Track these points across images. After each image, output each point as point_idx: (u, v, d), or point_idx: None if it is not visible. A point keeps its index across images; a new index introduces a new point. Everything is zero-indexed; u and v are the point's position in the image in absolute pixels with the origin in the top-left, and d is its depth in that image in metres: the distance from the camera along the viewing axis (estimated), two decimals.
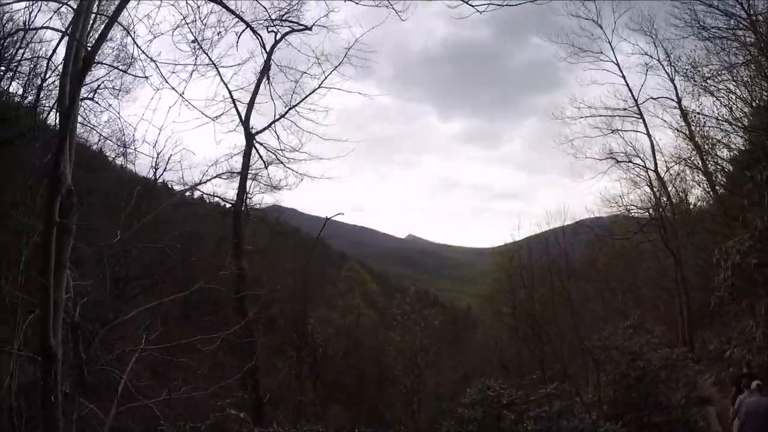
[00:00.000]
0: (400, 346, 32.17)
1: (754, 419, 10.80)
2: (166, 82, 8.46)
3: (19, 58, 18.92)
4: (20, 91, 20.09)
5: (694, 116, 25.13)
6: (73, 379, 6.17)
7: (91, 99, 19.47)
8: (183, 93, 9.28)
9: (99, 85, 19.85)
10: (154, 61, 8.03)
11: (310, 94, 21.96)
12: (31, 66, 19.34)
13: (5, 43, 18.15)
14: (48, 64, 16.79)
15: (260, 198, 23.90)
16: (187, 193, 22.26)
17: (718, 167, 25.57)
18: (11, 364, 5.97)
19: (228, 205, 22.63)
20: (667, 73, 26.30)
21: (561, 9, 27.75)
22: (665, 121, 26.97)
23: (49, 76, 17.77)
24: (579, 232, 34.76)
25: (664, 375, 14.86)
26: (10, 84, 19.92)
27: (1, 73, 19.01)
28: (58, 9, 12.53)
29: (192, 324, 19.27)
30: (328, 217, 23.57)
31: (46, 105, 18.55)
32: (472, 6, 6.32)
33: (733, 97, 22.82)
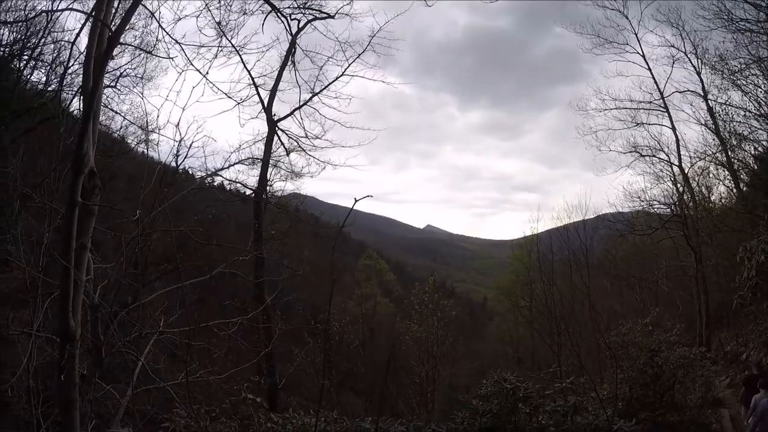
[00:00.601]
0: (416, 335, 32.26)
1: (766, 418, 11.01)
2: (191, 64, 8.53)
3: (42, 45, 19.12)
4: (43, 79, 20.34)
5: (721, 110, 24.70)
6: (91, 360, 6.25)
7: (114, 87, 19.68)
8: (207, 74, 9.37)
9: (121, 73, 20.06)
10: (179, 42, 8.09)
11: (334, 81, 21.91)
12: (54, 54, 19.55)
13: (29, 31, 18.33)
14: (71, 50, 16.96)
15: (281, 185, 24.04)
16: (208, 179, 22.42)
17: (744, 164, 25.16)
18: (30, 344, 6.05)
19: (249, 192, 22.75)
20: (694, 66, 25.87)
21: None
22: (691, 115, 26.61)
23: (72, 64, 17.97)
24: (599, 226, 34.47)
25: (681, 374, 14.72)
26: (33, 72, 20.16)
27: (25, 61, 19.23)
28: None
29: (210, 308, 19.44)
30: (357, 199, 23.24)
31: (69, 92, 18.79)
32: None
33: (761, 92, 22.37)
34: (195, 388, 9.50)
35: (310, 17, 20.92)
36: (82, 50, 8.98)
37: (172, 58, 8.48)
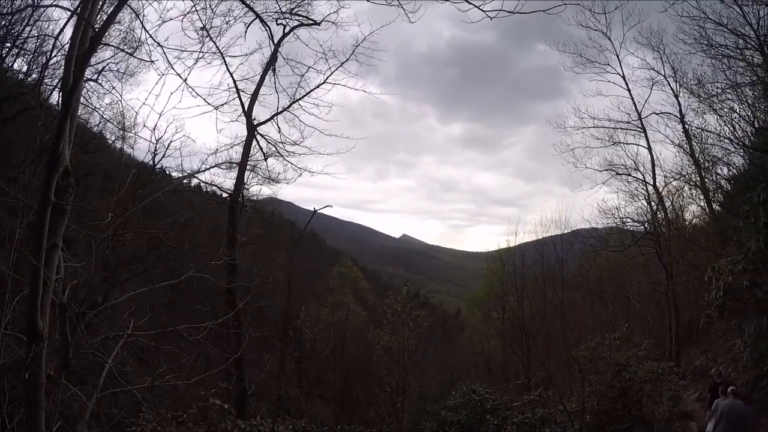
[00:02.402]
0: (387, 345, 32.16)
1: (729, 417, 12.14)
2: (172, 68, 8.47)
3: (26, 35, 18.87)
4: (24, 69, 20.05)
5: (697, 133, 25.17)
6: (58, 361, 6.14)
7: (95, 81, 19.44)
8: (187, 79, 9.32)
9: (103, 68, 19.83)
10: (161, 46, 8.02)
11: (315, 88, 21.92)
12: (37, 44, 19.30)
13: (13, 20, 18.09)
14: (55, 43, 16.76)
15: (257, 189, 23.90)
16: (185, 181, 22.21)
17: (717, 185, 25.65)
18: None
19: (224, 195, 22.58)
20: (672, 89, 26.23)
21: (571, 18, 27.71)
22: (667, 136, 27.05)
23: (55, 55, 17.75)
24: (574, 241, 34.83)
25: (649, 388, 14.92)
26: (15, 61, 19.87)
27: (7, 50, 18.94)
28: None
29: (180, 312, 19.21)
30: (316, 209, 23.11)
31: (50, 84, 18.53)
32: (483, 11, 6.14)
33: (736, 116, 22.84)
34: (162, 393, 9.39)
35: (296, 24, 20.91)
36: (65, 43, 8.88)
37: (153, 62, 8.41)
